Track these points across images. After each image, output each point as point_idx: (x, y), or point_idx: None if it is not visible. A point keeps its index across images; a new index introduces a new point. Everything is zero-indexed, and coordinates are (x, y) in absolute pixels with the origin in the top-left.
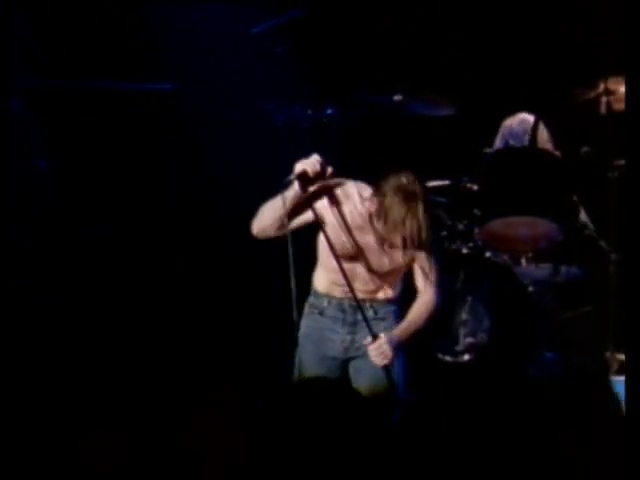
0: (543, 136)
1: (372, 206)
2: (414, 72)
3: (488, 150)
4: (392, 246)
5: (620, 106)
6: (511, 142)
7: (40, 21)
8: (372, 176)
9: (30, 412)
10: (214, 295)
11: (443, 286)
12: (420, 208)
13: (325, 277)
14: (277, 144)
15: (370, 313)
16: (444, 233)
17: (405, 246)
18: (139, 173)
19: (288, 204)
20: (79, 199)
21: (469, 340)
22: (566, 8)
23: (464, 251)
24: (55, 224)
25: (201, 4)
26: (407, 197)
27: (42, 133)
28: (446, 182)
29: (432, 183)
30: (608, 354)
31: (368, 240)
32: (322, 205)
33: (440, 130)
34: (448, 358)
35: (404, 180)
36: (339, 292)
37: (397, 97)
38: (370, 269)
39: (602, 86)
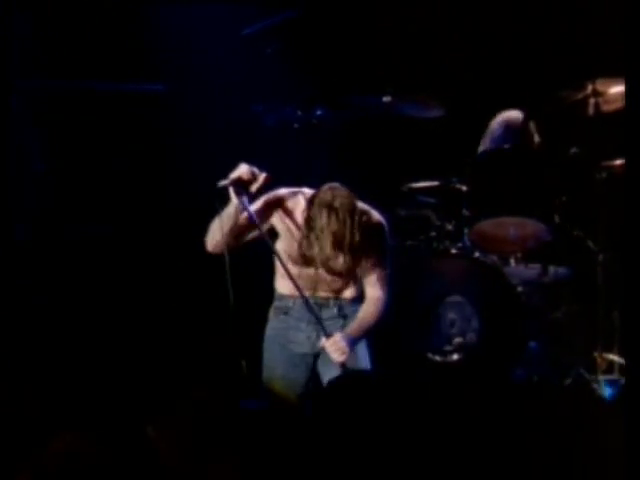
0: (530, 132)
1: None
2: (403, 73)
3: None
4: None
5: (608, 107)
6: (489, 144)
7: (37, 22)
8: (361, 176)
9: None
10: (205, 293)
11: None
12: (340, 219)
13: (287, 277)
14: (267, 144)
15: (335, 311)
16: (433, 233)
17: (335, 250)
18: (135, 173)
19: (232, 217)
20: (76, 199)
21: (458, 340)
22: (554, 10)
23: (453, 251)
24: (52, 224)
25: (192, 5)
26: (328, 209)
27: (39, 133)
28: (435, 183)
29: (421, 184)
30: (596, 354)
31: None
32: (274, 216)
33: (429, 131)
34: (437, 358)
35: (328, 194)
36: (305, 292)
37: (386, 98)
38: (327, 271)
39: (590, 87)
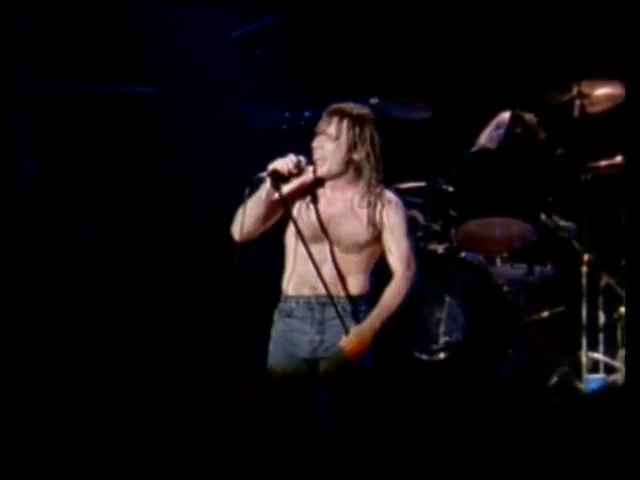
0: (534, 129)
1: (329, 130)
2: (390, 75)
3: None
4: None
5: (593, 109)
6: (484, 140)
7: (28, 24)
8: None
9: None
10: (191, 297)
11: (420, 269)
12: (352, 126)
13: (294, 274)
14: (256, 146)
15: (339, 310)
16: (420, 234)
17: (345, 165)
18: (123, 173)
19: (264, 202)
20: (67, 199)
21: (445, 339)
22: (540, 13)
23: (440, 251)
24: (42, 224)
25: (182, 7)
26: (340, 115)
27: (30, 134)
28: (422, 184)
29: (408, 185)
30: (581, 353)
31: (335, 209)
32: (284, 186)
33: (416, 133)
34: (424, 356)
35: (344, 105)
36: (307, 290)
37: (373, 100)
38: (339, 245)
39: (575, 89)
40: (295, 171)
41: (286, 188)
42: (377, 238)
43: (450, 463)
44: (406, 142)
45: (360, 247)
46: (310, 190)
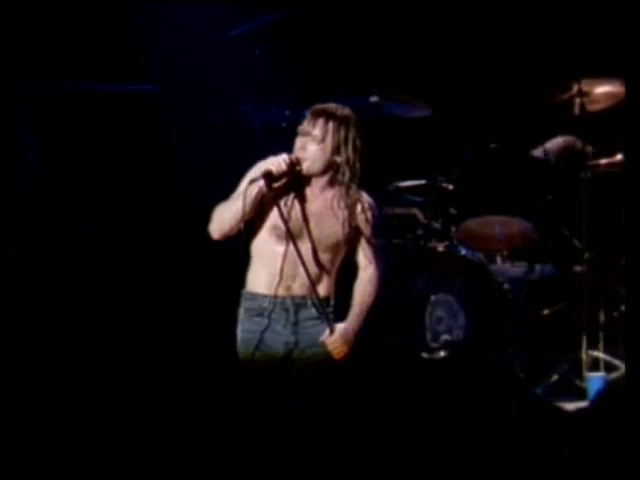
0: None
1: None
2: (390, 74)
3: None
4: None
5: (594, 107)
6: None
7: (28, 24)
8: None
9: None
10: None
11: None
12: (336, 126)
13: (266, 273)
14: (256, 144)
15: (313, 311)
16: (420, 232)
17: (344, 172)
18: (121, 174)
19: (249, 202)
20: (65, 200)
21: (445, 337)
22: (541, 11)
23: (440, 249)
24: (42, 224)
25: (181, 6)
26: (325, 116)
27: (31, 134)
28: (422, 182)
29: (408, 183)
30: (581, 351)
31: (315, 209)
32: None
33: (416, 131)
34: (424, 354)
35: (327, 105)
36: (282, 290)
37: (373, 98)
38: (318, 244)
39: (576, 88)
40: (288, 172)
41: (275, 186)
42: (349, 239)
43: (451, 461)
44: (406, 140)
45: (336, 246)
46: (290, 189)
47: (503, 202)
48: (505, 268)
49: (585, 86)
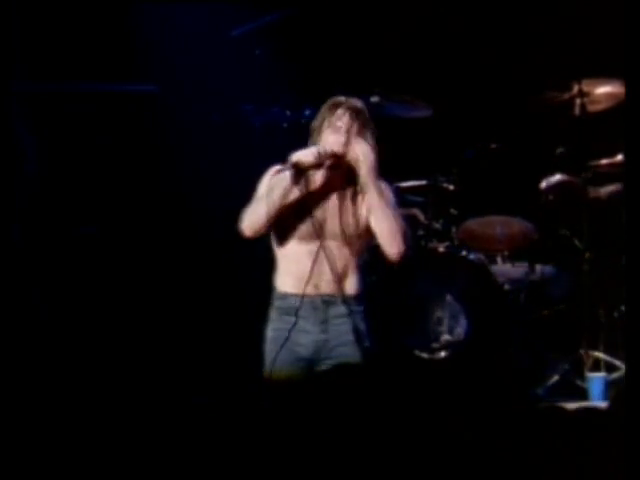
0: None
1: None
2: (391, 74)
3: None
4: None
5: (594, 108)
6: None
7: (26, 23)
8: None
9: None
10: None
11: (421, 267)
12: (349, 116)
13: (294, 272)
14: (257, 145)
15: (342, 309)
16: (421, 232)
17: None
18: (121, 174)
19: (279, 194)
20: (65, 200)
21: (446, 337)
22: (541, 11)
23: (440, 250)
24: (41, 225)
25: (182, 5)
26: (335, 107)
27: (28, 134)
28: (423, 182)
29: (409, 183)
30: (582, 351)
31: (332, 202)
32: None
33: (417, 131)
34: (425, 355)
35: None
36: (310, 288)
37: (374, 99)
38: (336, 239)
39: (576, 88)
40: (318, 162)
41: (307, 180)
42: (367, 228)
43: (451, 461)
44: (407, 140)
45: (357, 238)
46: (312, 184)
47: (503, 202)
48: (505, 268)
49: (585, 86)
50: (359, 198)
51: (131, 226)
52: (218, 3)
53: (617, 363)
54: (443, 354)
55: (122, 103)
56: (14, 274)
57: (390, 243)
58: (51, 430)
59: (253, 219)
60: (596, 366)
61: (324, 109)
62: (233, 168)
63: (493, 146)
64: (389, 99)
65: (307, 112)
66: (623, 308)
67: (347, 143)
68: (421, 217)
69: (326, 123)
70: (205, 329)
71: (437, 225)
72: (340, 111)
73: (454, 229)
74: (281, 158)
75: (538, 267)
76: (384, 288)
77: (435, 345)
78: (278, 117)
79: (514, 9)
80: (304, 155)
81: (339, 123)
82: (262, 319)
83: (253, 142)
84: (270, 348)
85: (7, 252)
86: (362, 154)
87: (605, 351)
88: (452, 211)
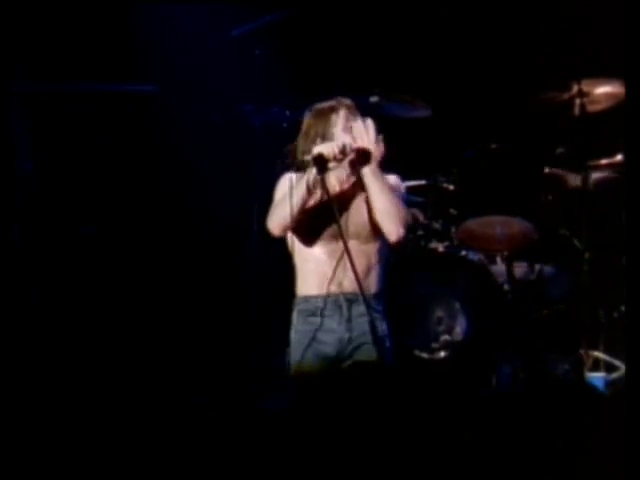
0: None
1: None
2: (390, 74)
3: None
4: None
5: (594, 108)
6: None
7: (25, 23)
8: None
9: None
10: (192, 294)
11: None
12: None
13: (316, 274)
14: (257, 145)
15: (364, 308)
16: (421, 232)
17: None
18: (121, 174)
19: (307, 190)
20: (65, 200)
21: (445, 337)
22: (541, 11)
23: (440, 250)
24: (41, 225)
25: (182, 5)
26: (329, 110)
27: (27, 134)
28: (422, 182)
29: (409, 183)
30: (582, 351)
31: (347, 200)
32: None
33: (416, 131)
34: (424, 355)
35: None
36: (334, 287)
37: (373, 99)
38: (359, 237)
39: (576, 88)
40: (340, 156)
41: (331, 176)
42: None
43: (451, 462)
44: (407, 141)
45: (375, 235)
46: (331, 183)
47: (503, 202)
48: (505, 268)
49: (585, 86)
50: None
51: (131, 226)
52: (218, 3)
53: (617, 363)
54: (443, 354)
55: (122, 103)
56: (14, 274)
57: (388, 223)
58: (51, 429)
59: (280, 219)
60: (596, 366)
61: (314, 117)
62: (233, 168)
63: (493, 146)
64: (389, 99)
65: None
66: (623, 308)
67: (366, 139)
68: (421, 217)
69: (329, 128)
70: (205, 329)
71: (437, 225)
72: (342, 112)
73: (454, 229)
74: (279, 159)
75: (538, 267)
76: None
77: (435, 345)
78: (278, 117)
79: (514, 9)
80: (326, 149)
81: (348, 123)
82: (262, 319)
83: (253, 142)
84: (295, 350)
85: (7, 252)
86: (372, 144)
87: (605, 351)
88: (452, 211)
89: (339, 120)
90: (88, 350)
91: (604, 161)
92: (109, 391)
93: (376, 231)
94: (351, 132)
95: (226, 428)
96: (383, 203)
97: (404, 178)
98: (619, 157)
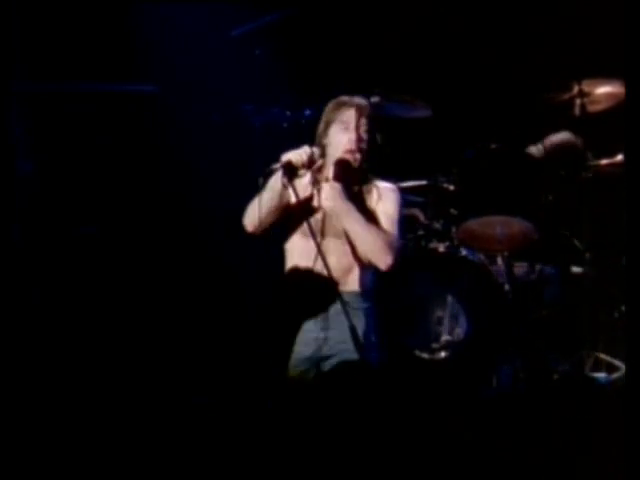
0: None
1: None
2: (391, 74)
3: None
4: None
5: (594, 108)
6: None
7: (24, 23)
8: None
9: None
10: (192, 294)
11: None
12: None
13: (296, 271)
14: (257, 145)
15: (339, 306)
16: (421, 232)
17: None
18: (121, 174)
19: (276, 194)
20: (65, 200)
21: (446, 337)
22: (541, 11)
23: (441, 250)
24: (41, 226)
25: (182, 5)
26: (339, 105)
27: (27, 134)
28: (423, 182)
29: (409, 183)
30: (582, 352)
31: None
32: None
33: (416, 131)
34: (425, 355)
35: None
36: (311, 286)
37: (374, 99)
38: (341, 237)
39: (576, 88)
40: (308, 163)
41: (299, 180)
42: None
43: (450, 462)
44: (407, 141)
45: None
46: (310, 183)
47: (503, 202)
48: (505, 268)
49: (585, 86)
50: (357, 195)
51: (131, 226)
52: (218, 3)
53: (617, 363)
54: (443, 354)
55: (122, 103)
56: (14, 274)
57: (372, 256)
58: (52, 429)
59: (249, 215)
60: (596, 366)
61: (329, 110)
62: (233, 168)
63: (493, 146)
64: (389, 99)
65: (307, 112)
66: (623, 308)
67: (357, 140)
68: (421, 217)
69: (333, 123)
70: (205, 329)
71: (437, 225)
72: (347, 109)
73: (454, 229)
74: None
75: (538, 267)
76: (384, 288)
77: (435, 345)
78: (278, 117)
79: (514, 9)
80: (294, 156)
81: (347, 121)
82: (262, 319)
83: (253, 142)
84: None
85: (7, 252)
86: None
87: (605, 351)
88: (452, 211)
89: (341, 117)
90: (88, 350)
91: (604, 161)
92: (109, 391)
93: None
94: (347, 131)
95: (226, 428)
96: (361, 238)
97: (404, 178)
98: (619, 157)
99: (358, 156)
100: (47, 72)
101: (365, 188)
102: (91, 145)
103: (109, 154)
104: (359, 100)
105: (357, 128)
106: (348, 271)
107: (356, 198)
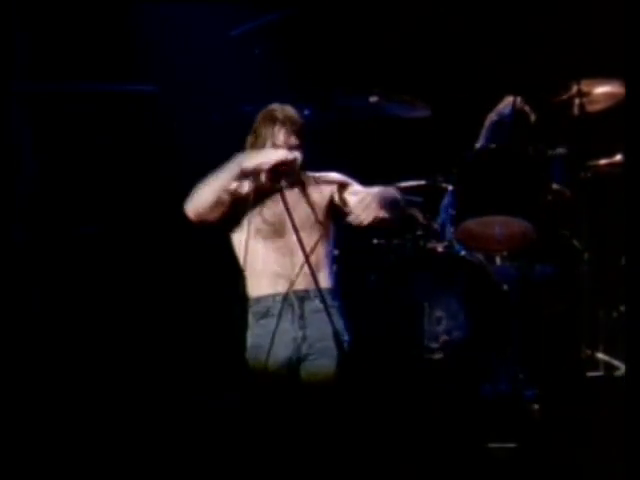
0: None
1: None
2: (390, 74)
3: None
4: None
5: (593, 108)
6: (482, 141)
7: (27, 24)
8: (348, 176)
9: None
10: (192, 294)
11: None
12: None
13: (263, 274)
14: None
15: (317, 303)
16: (420, 232)
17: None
18: (121, 174)
19: (224, 184)
20: (65, 200)
21: (444, 337)
22: (541, 11)
23: (439, 250)
24: (41, 226)
25: (182, 5)
26: (272, 119)
27: (31, 133)
28: (422, 182)
29: (408, 183)
30: (581, 351)
31: (289, 198)
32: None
33: (415, 131)
34: (424, 355)
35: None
36: (282, 285)
37: (373, 99)
38: (299, 232)
39: (575, 88)
40: (258, 171)
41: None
42: (326, 214)
43: (450, 462)
44: (406, 141)
45: (318, 227)
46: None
47: (503, 202)
48: (505, 268)
49: (585, 86)
50: (307, 187)
51: (131, 226)
52: (218, 3)
53: (617, 363)
54: (443, 354)
55: (122, 103)
56: (14, 274)
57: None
58: (52, 429)
59: (197, 202)
60: (595, 366)
61: (260, 123)
62: None
63: (493, 146)
64: (389, 99)
65: (306, 112)
66: (623, 308)
67: (289, 154)
68: (420, 217)
69: (266, 140)
70: (205, 329)
71: (436, 225)
72: (277, 128)
73: (453, 229)
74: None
75: (538, 267)
76: (384, 288)
77: (435, 345)
78: None
79: (514, 9)
80: (248, 162)
81: (276, 139)
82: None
83: None
84: (250, 355)
85: (7, 252)
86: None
87: (605, 351)
88: (451, 211)
89: (271, 135)
90: (89, 350)
91: (604, 161)
92: (109, 391)
93: (319, 223)
94: (279, 149)
95: (226, 428)
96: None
97: (404, 178)
98: (619, 157)
99: (291, 166)
100: (47, 72)
101: (305, 182)
102: (91, 145)
103: (109, 154)
104: (288, 113)
105: (287, 144)
106: (317, 267)
107: (304, 195)
